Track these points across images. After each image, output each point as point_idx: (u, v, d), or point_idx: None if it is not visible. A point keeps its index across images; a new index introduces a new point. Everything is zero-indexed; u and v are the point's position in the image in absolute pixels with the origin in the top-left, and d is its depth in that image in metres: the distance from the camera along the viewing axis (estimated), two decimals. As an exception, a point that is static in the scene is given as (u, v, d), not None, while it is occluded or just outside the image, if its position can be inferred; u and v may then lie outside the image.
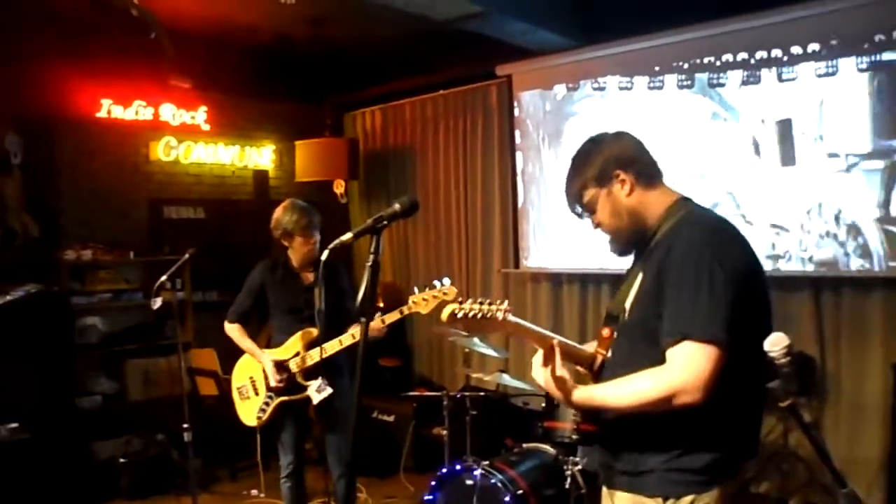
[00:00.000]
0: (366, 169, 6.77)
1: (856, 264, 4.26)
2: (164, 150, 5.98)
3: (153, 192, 6.00)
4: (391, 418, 5.72)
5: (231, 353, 5.41)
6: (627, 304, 2.06)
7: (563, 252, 5.51)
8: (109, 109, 5.61)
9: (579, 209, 2.15)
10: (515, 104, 5.68)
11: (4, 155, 5.22)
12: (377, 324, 3.83)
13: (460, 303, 1.92)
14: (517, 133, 5.71)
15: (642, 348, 1.97)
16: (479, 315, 1.91)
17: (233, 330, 4.18)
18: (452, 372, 6.25)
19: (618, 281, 5.33)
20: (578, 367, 2.22)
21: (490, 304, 1.93)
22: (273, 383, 3.99)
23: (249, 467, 5.60)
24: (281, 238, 4.05)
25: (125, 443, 5.40)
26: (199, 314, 6.00)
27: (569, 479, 3.83)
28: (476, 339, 4.53)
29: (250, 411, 4.14)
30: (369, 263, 2.04)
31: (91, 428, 5.38)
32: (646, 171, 2.10)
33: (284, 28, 5.73)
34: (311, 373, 3.98)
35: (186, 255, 4.00)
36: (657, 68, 4.89)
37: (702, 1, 4.60)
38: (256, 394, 4.14)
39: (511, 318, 1.96)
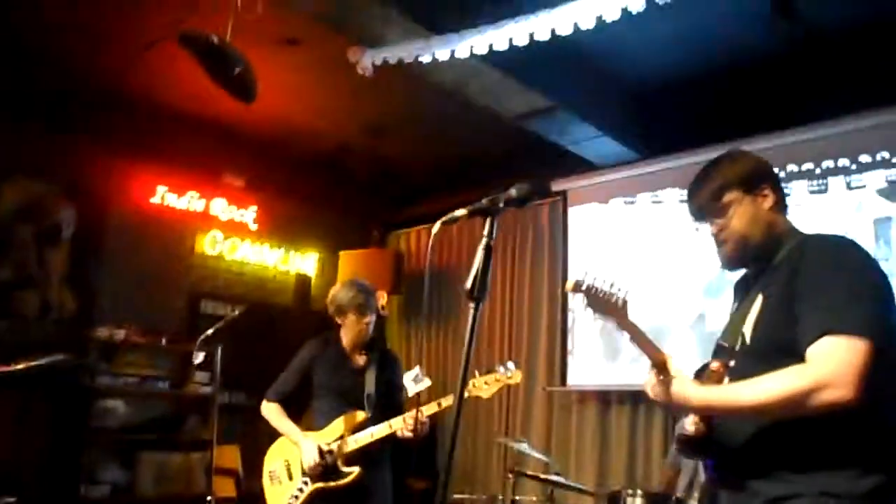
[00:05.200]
0: (407, 289, 6.53)
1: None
2: (209, 244, 5.83)
3: (193, 284, 5.80)
4: (421, 542, 5.14)
5: (255, 454, 5.01)
6: (747, 329, 1.89)
7: (613, 371, 5.17)
8: (164, 196, 5.54)
9: (706, 211, 2.02)
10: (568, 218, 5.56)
11: (56, 227, 5.08)
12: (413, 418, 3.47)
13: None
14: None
15: (769, 368, 1.75)
16: (603, 293, 1.83)
17: (271, 409, 3.81)
18: (487, 498, 5.70)
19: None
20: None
21: (612, 284, 1.85)
22: (308, 466, 3.56)
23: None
24: (334, 315, 3.79)
25: (127, 542, 4.85)
26: (223, 415, 5.57)
27: None
28: (525, 446, 4.18)
29: (280, 498, 3.67)
30: (482, 246, 1.83)
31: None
32: (783, 199, 2.02)
33: (343, 135, 5.75)
34: (352, 459, 3.57)
35: (236, 313, 3.71)
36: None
37: (766, 114, 4.58)
38: (290, 478, 3.69)
39: (628, 311, 1.87)
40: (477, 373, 3.48)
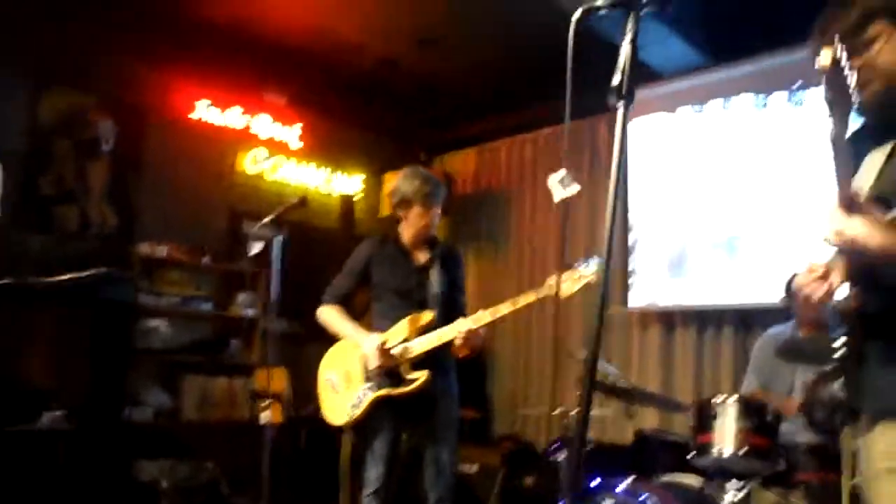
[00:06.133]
0: (454, 213, 6.20)
1: None
2: (251, 162, 5.51)
3: (234, 203, 5.48)
4: (473, 469, 4.86)
5: (300, 381, 4.75)
6: None
7: (678, 290, 4.84)
8: (204, 111, 5.22)
9: (845, 43, 1.67)
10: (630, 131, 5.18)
11: (95, 140, 4.79)
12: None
13: None
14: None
15: None
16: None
17: (330, 312, 3.48)
18: (538, 429, 5.42)
19: (743, 318, 4.43)
20: None
21: None
22: (374, 364, 3.25)
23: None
24: (396, 208, 3.44)
25: (170, 466, 4.59)
26: (266, 341, 5.32)
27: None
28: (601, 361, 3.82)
29: (340, 407, 3.37)
30: (628, 41, 1.57)
31: (137, 443, 4.60)
32: None
33: (390, 49, 5.36)
34: (418, 365, 3.27)
35: (295, 201, 3.35)
36: (799, 82, 4.37)
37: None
38: (349, 386, 3.39)
39: None
40: (554, 272, 3.16)
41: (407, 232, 3.45)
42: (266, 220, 3.21)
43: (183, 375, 4.95)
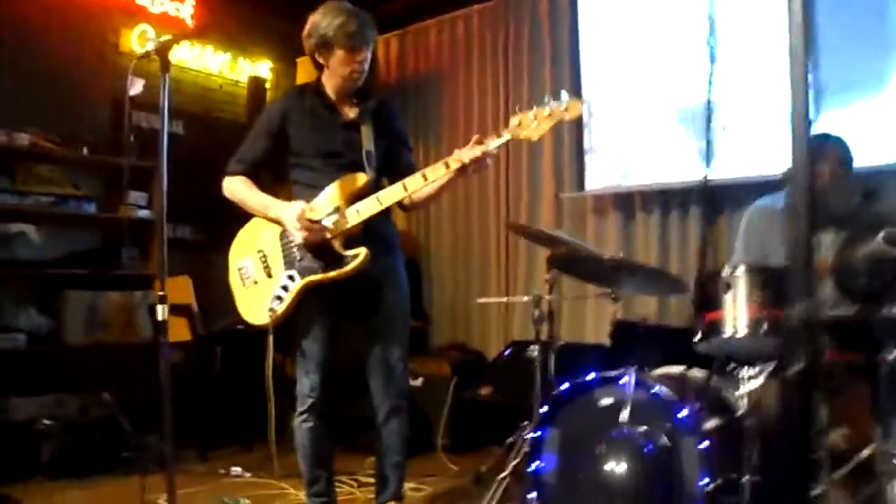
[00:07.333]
0: (380, 103, 5.31)
1: None
2: (138, 41, 4.42)
3: (120, 90, 4.36)
4: (418, 382, 4.12)
5: (207, 296, 3.93)
6: None
7: (637, 169, 4.17)
8: (72, -25, 4.13)
9: None
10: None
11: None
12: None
13: None
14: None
15: None
16: None
17: (236, 183, 2.65)
18: (484, 337, 4.74)
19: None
20: None
21: None
22: (299, 238, 2.46)
23: (222, 446, 3.98)
24: (315, 52, 2.58)
25: (54, 401, 3.65)
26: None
27: (742, 400, 2.36)
28: (563, 234, 3.11)
29: (257, 302, 2.58)
30: None
31: (8, 377, 3.62)
32: None
33: None
34: (354, 239, 2.47)
35: (192, 29, 2.44)
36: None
37: None
38: (269, 275, 2.58)
39: None
40: (518, 108, 2.41)
41: (330, 83, 2.62)
42: (149, 48, 2.22)
43: (63, 292, 3.96)
